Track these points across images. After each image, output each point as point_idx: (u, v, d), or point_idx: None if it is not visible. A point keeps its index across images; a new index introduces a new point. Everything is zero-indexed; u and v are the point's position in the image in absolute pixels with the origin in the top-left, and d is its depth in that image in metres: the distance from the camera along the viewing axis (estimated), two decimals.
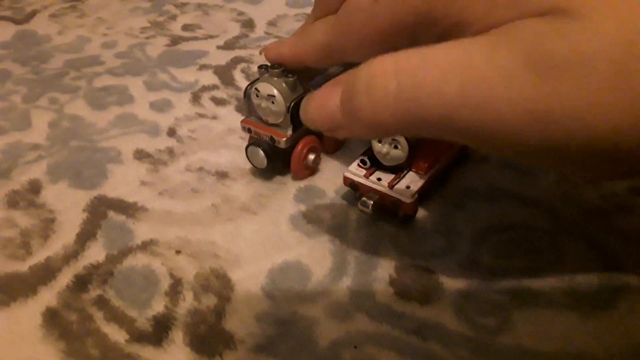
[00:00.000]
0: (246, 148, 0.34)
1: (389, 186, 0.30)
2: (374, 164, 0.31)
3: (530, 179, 0.34)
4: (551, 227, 0.31)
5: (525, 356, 0.25)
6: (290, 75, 0.31)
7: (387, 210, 0.31)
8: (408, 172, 0.31)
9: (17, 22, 0.58)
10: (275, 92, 0.31)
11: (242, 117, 0.34)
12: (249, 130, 0.34)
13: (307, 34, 0.29)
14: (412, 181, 0.30)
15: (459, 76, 0.17)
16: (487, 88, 0.17)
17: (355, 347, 0.25)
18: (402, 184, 0.30)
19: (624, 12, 0.15)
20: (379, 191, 0.30)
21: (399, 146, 0.29)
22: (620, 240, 0.30)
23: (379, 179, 0.31)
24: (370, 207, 0.30)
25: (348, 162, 0.32)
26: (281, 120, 0.32)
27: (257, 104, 0.32)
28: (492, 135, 0.17)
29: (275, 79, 0.32)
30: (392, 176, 0.31)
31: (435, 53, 0.18)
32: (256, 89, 0.32)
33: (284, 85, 0.31)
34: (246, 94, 0.33)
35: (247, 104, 0.33)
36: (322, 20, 0.28)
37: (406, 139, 0.29)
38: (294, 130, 0.32)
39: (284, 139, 0.32)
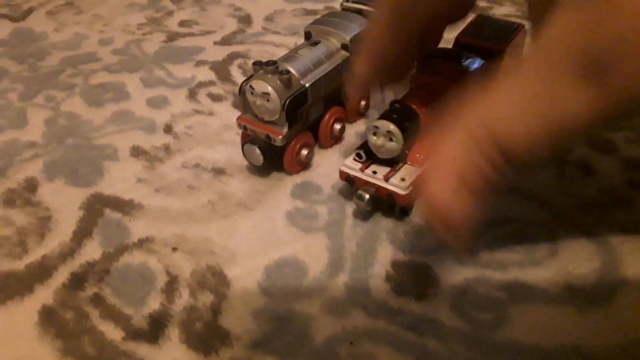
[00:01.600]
0: (242, 145, 0.34)
1: (384, 179, 0.30)
2: (369, 157, 0.31)
3: (528, 173, 0.34)
4: (548, 221, 0.31)
5: (521, 351, 0.24)
6: (284, 72, 0.31)
7: (383, 204, 0.31)
8: (404, 165, 0.31)
9: (13, 19, 0.58)
10: (269, 89, 0.31)
11: (239, 113, 0.34)
12: (245, 128, 0.34)
13: (369, 19, 0.29)
14: (407, 174, 0.30)
15: (531, 116, 0.19)
16: (554, 112, 0.18)
17: (351, 343, 0.25)
18: (397, 177, 0.30)
19: None
20: (375, 184, 0.30)
21: (393, 138, 0.29)
22: (618, 234, 0.29)
23: (375, 172, 0.31)
24: (366, 200, 0.30)
25: (345, 158, 0.32)
26: (276, 117, 0.32)
27: (252, 101, 0.32)
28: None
29: (270, 76, 0.31)
30: (387, 169, 0.31)
31: (502, 100, 0.20)
32: (251, 86, 0.32)
33: (278, 82, 0.31)
34: (241, 91, 0.33)
35: (242, 101, 0.33)
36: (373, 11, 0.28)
37: (401, 130, 0.29)
38: (289, 128, 0.32)
39: (280, 137, 0.32)
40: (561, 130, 0.19)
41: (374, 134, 0.30)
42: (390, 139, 0.30)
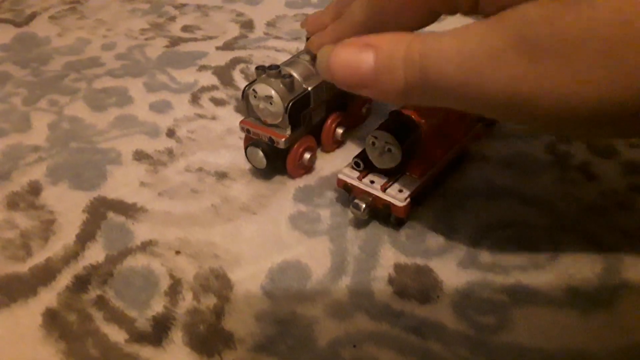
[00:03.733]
0: (245, 149, 0.34)
1: (381, 189, 0.30)
2: (367, 166, 0.31)
3: (529, 177, 0.34)
4: (550, 225, 0.31)
5: (524, 354, 0.25)
6: (287, 75, 0.32)
7: (379, 213, 0.31)
8: (402, 175, 0.31)
9: (17, 24, 0.58)
10: (272, 93, 0.31)
11: (242, 118, 0.35)
12: (248, 131, 0.34)
13: (343, 18, 0.30)
14: (405, 185, 0.30)
15: (457, 58, 0.19)
16: (478, 69, 0.19)
17: (354, 346, 0.25)
18: (395, 188, 0.30)
19: None
20: (372, 194, 0.30)
21: (392, 149, 0.29)
22: (620, 238, 0.30)
23: (372, 182, 0.30)
24: (362, 209, 0.30)
25: (347, 162, 0.32)
26: (279, 120, 0.32)
27: (255, 105, 0.32)
28: (486, 109, 0.20)
29: (273, 79, 0.32)
30: (385, 179, 0.31)
31: (445, 39, 0.20)
32: (254, 90, 0.32)
33: (281, 85, 0.31)
34: (244, 95, 0.33)
35: (245, 105, 0.34)
36: (356, 2, 0.29)
37: (400, 143, 0.29)
38: (292, 131, 0.32)
39: (283, 139, 0.32)
40: (478, 91, 0.19)
41: (373, 143, 0.30)
42: (389, 150, 0.29)
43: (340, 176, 0.31)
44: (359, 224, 0.31)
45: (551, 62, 0.17)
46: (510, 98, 0.18)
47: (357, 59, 0.22)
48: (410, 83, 0.21)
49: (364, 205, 0.30)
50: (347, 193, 0.32)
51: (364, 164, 0.31)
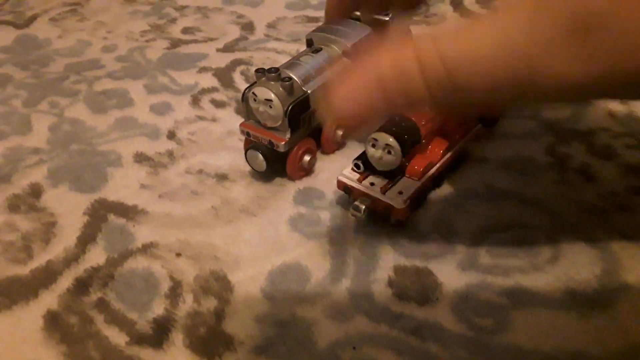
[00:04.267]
0: (245, 152, 0.34)
1: (381, 191, 0.30)
2: (367, 168, 0.31)
3: (529, 179, 0.34)
4: (550, 226, 0.31)
5: (523, 356, 0.25)
6: (287, 78, 0.32)
7: (379, 215, 0.31)
8: (402, 177, 0.31)
9: (17, 26, 0.58)
10: (272, 96, 0.31)
11: (242, 120, 0.35)
12: (248, 134, 0.34)
13: None
14: (405, 187, 0.30)
15: (494, 54, 0.18)
16: (528, 62, 0.17)
17: (354, 347, 0.25)
18: (394, 190, 0.30)
19: None
20: (372, 196, 0.30)
21: (392, 151, 0.29)
22: (619, 239, 0.30)
23: (372, 184, 0.31)
24: (362, 211, 0.30)
25: (347, 164, 0.32)
26: (279, 123, 0.32)
27: (254, 108, 0.33)
28: (534, 99, 0.20)
29: (272, 82, 0.32)
30: (385, 181, 0.31)
31: (466, 35, 0.18)
32: (253, 93, 0.32)
33: (280, 89, 0.31)
34: (244, 97, 0.33)
35: (245, 108, 0.34)
36: None
37: (400, 144, 0.29)
38: (292, 134, 0.33)
39: (283, 142, 0.32)
40: (529, 81, 0.18)
41: (373, 145, 0.30)
42: (389, 152, 0.29)
43: (340, 178, 0.32)
44: (359, 225, 0.32)
45: (608, 36, 0.16)
46: (566, 82, 0.17)
47: (362, 82, 0.20)
48: (435, 90, 0.19)
49: (363, 207, 0.30)
50: (347, 195, 0.32)
51: (364, 166, 0.31)
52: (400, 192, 0.30)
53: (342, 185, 0.32)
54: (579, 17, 0.17)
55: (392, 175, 0.31)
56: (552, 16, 0.17)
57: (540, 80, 0.18)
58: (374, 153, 0.30)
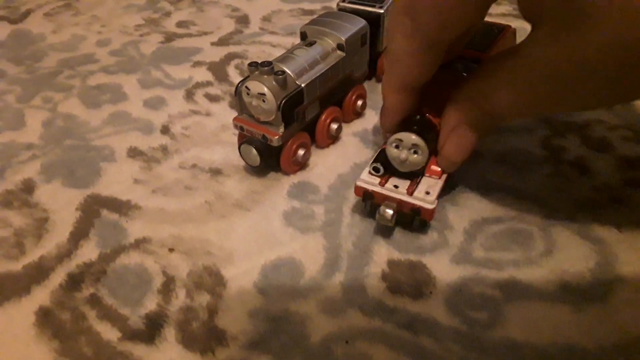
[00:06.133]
0: (239, 146, 0.34)
1: (408, 193, 0.29)
2: (387, 170, 0.30)
3: (523, 173, 0.34)
4: (544, 219, 0.31)
5: (517, 350, 0.25)
6: (280, 72, 0.31)
7: (404, 218, 0.30)
8: (422, 177, 0.30)
9: (11, 21, 0.58)
10: (265, 90, 0.31)
11: (236, 114, 0.34)
12: (241, 129, 0.34)
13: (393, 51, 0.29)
14: (429, 186, 0.29)
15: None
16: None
17: (347, 342, 0.25)
18: (421, 190, 0.29)
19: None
20: (397, 199, 0.29)
21: (419, 151, 0.28)
22: (614, 232, 0.30)
23: (396, 186, 0.29)
24: (391, 217, 0.28)
25: (341, 158, 0.32)
26: (273, 118, 0.32)
27: (248, 102, 0.32)
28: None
29: (265, 76, 0.31)
30: (408, 182, 0.29)
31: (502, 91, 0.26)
32: (246, 87, 0.32)
33: (274, 83, 0.31)
34: (237, 92, 0.33)
35: (238, 102, 0.33)
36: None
37: (426, 144, 0.28)
38: (285, 128, 0.32)
39: (276, 137, 0.32)
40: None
41: (397, 147, 0.29)
42: (415, 152, 0.28)
43: (360, 184, 0.30)
44: (353, 220, 0.31)
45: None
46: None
47: (466, 141, 0.29)
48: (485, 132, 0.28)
49: (391, 212, 0.28)
50: (344, 190, 0.31)
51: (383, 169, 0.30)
52: (428, 192, 0.29)
53: (361, 191, 0.30)
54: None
55: (413, 176, 0.30)
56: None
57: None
58: (398, 154, 0.29)
